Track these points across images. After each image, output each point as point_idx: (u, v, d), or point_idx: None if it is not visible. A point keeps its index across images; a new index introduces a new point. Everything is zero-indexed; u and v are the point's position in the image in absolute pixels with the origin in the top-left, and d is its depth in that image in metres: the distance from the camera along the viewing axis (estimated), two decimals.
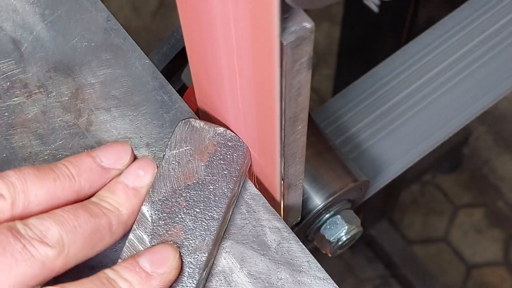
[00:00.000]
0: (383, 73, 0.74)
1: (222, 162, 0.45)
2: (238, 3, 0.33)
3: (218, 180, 0.45)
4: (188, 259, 0.43)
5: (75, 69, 0.50)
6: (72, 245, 0.40)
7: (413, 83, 0.73)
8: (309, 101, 0.39)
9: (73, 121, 0.48)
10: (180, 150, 0.45)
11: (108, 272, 0.41)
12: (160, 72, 0.50)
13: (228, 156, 0.45)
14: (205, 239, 0.43)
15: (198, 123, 0.46)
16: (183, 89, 0.61)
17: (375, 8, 1.04)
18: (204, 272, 0.43)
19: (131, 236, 0.43)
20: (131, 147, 0.46)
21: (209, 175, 0.45)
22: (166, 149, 0.45)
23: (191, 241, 0.43)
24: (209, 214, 0.44)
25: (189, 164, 0.45)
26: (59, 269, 0.40)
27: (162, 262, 0.42)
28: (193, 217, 0.44)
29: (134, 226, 0.44)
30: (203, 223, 0.44)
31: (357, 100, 0.72)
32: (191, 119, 0.46)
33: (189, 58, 0.45)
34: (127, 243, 0.43)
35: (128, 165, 0.45)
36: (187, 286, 0.42)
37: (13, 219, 0.41)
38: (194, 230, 0.43)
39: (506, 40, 0.76)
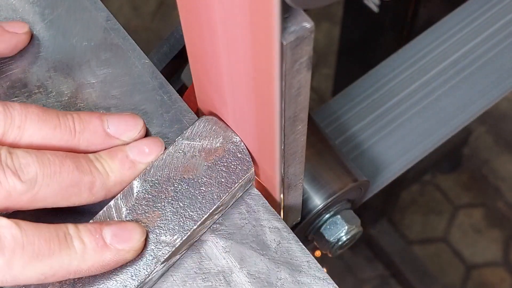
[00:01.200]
0: (383, 73, 0.74)
1: (224, 169, 0.45)
2: (238, 3, 0.33)
3: (213, 184, 0.44)
4: (152, 247, 0.43)
5: (74, 68, 0.50)
6: (44, 188, 0.40)
7: (413, 83, 0.73)
8: (309, 101, 0.39)
9: None
10: (192, 142, 0.45)
11: (69, 227, 0.41)
12: (160, 72, 0.50)
13: (232, 166, 0.45)
14: (175, 234, 0.43)
15: (220, 125, 0.46)
16: (183, 89, 0.61)
17: (375, 8, 1.04)
18: (162, 265, 0.43)
19: (111, 203, 0.43)
20: (144, 123, 0.46)
21: (207, 176, 0.45)
22: (179, 136, 0.45)
23: (162, 231, 0.43)
24: (190, 213, 0.44)
25: (193, 159, 0.45)
26: (24, 205, 0.40)
27: (125, 239, 0.41)
28: (174, 210, 0.44)
29: (118, 196, 0.44)
30: (181, 220, 0.43)
31: (357, 100, 0.72)
32: (215, 118, 0.46)
33: (189, 58, 0.45)
34: (105, 208, 0.43)
35: (135, 139, 0.45)
36: (139, 271, 0.42)
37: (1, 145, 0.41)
38: (170, 222, 0.43)
39: (506, 40, 0.76)
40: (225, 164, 0.45)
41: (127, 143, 0.45)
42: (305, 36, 0.33)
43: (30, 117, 0.42)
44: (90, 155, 0.43)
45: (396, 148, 0.71)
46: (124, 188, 0.44)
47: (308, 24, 0.33)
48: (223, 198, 0.44)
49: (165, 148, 0.45)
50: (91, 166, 0.43)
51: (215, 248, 0.45)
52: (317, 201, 0.60)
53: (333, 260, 1.51)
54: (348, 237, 0.62)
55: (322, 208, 0.60)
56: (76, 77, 0.50)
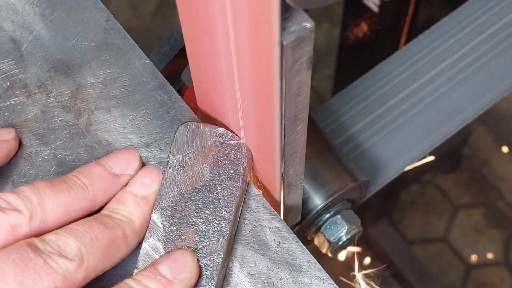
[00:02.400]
0: (383, 73, 0.74)
1: (226, 162, 0.45)
2: (238, 3, 0.33)
3: (225, 180, 0.45)
4: (205, 262, 0.43)
5: (75, 68, 0.50)
6: (91, 257, 0.40)
7: (413, 83, 0.73)
8: (309, 101, 0.39)
9: (73, 121, 0.48)
10: (183, 154, 0.45)
11: (129, 282, 0.41)
12: (160, 72, 0.50)
13: (232, 155, 0.45)
14: (219, 240, 0.43)
15: (198, 126, 0.46)
16: (183, 89, 0.61)
17: (375, 8, 1.04)
18: (222, 273, 0.43)
19: (144, 245, 0.43)
20: (138, 153, 0.46)
21: (215, 176, 0.45)
22: (169, 155, 0.45)
23: (205, 244, 0.43)
24: (220, 215, 0.44)
25: (194, 168, 0.45)
26: (80, 282, 0.40)
27: (182, 268, 0.42)
28: (204, 220, 0.44)
29: (147, 235, 0.44)
30: (215, 225, 0.44)
31: (357, 100, 0.72)
32: (190, 122, 0.46)
33: (189, 58, 0.45)
34: (141, 253, 0.43)
35: (138, 170, 0.45)
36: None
37: (31, 233, 0.41)
38: (207, 233, 0.43)
39: (505, 41, 0.76)
40: (225, 157, 0.45)
41: (131, 179, 0.45)
42: (305, 36, 0.33)
43: (43, 192, 0.42)
44: (104, 211, 0.44)
45: (396, 148, 0.71)
46: (148, 226, 0.44)
47: (308, 24, 0.33)
48: (240, 186, 0.44)
49: (163, 173, 0.45)
50: (113, 219, 0.43)
51: None
52: (317, 201, 0.60)
53: (333, 260, 1.50)
54: (348, 237, 0.62)
55: (322, 208, 0.60)
56: (76, 77, 0.50)
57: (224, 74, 0.41)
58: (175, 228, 0.44)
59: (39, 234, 0.41)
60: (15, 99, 0.49)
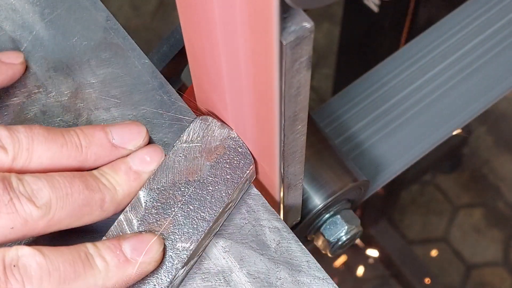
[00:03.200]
0: (383, 72, 0.74)
1: (227, 166, 0.45)
2: (238, 2, 0.33)
3: (219, 183, 0.44)
4: (170, 253, 0.43)
5: (74, 68, 0.50)
6: (59, 211, 0.40)
7: (413, 83, 0.73)
8: (309, 100, 0.39)
9: (72, 120, 0.48)
10: (190, 145, 0.45)
11: (89, 246, 0.41)
12: (160, 72, 0.50)
13: (235, 162, 0.45)
14: (191, 237, 0.43)
15: (215, 123, 0.46)
16: (183, 89, 0.61)
17: (375, 8, 1.04)
18: (183, 270, 0.43)
19: (121, 217, 0.43)
20: (146, 130, 0.46)
21: (212, 176, 0.45)
22: (177, 141, 0.45)
23: (177, 236, 0.43)
24: (201, 214, 0.44)
25: (195, 161, 0.45)
26: (40, 230, 0.40)
27: (145, 251, 0.41)
28: (185, 213, 0.44)
29: (127, 208, 0.43)
30: (194, 222, 0.43)
31: (357, 99, 0.73)
32: (209, 117, 0.46)
33: (188, 58, 0.45)
34: (115, 223, 0.43)
35: (140, 147, 0.45)
36: (161, 280, 0.42)
37: (10, 171, 0.41)
38: (183, 226, 0.43)
39: (505, 41, 0.76)
40: (228, 160, 0.45)
41: (133, 152, 0.45)
42: (305, 36, 0.33)
43: (37, 138, 0.42)
44: (95, 172, 0.43)
45: (395, 148, 0.71)
46: (131, 200, 0.44)
47: (308, 24, 0.33)
48: (231, 194, 0.44)
49: (166, 155, 0.45)
50: (99, 183, 0.43)
51: (215, 248, 0.45)
52: (317, 201, 0.60)
53: (333, 260, 1.51)
54: (348, 237, 0.62)
55: (322, 208, 0.60)
56: (76, 77, 0.50)
57: (224, 73, 0.41)
58: (155, 211, 0.44)
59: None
60: (15, 99, 0.49)
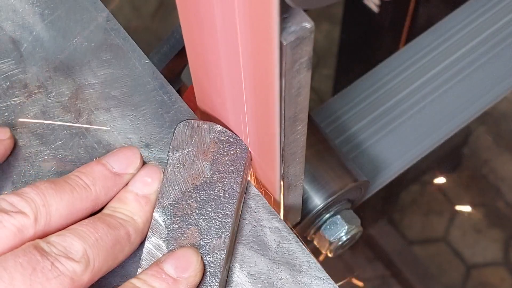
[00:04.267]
0: (383, 73, 0.74)
1: (226, 158, 0.45)
2: (238, 3, 0.33)
3: (225, 177, 0.45)
4: (208, 259, 0.43)
5: (75, 69, 0.50)
6: (97, 258, 0.40)
7: (413, 83, 0.73)
8: (309, 101, 0.39)
9: (73, 121, 0.48)
10: (183, 152, 0.45)
11: (134, 281, 0.41)
12: (160, 72, 0.50)
13: (232, 152, 0.45)
14: (221, 236, 0.43)
15: (196, 123, 0.46)
16: (183, 89, 0.61)
17: (375, 8, 1.04)
18: (226, 268, 0.43)
19: (147, 244, 0.43)
20: (139, 151, 0.46)
21: (216, 173, 0.45)
22: (169, 153, 0.45)
23: (208, 241, 0.43)
24: (221, 211, 0.44)
25: (194, 165, 0.45)
26: (86, 284, 0.40)
27: (186, 266, 0.42)
28: (206, 217, 0.44)
29: (149, 234, 0.44)
30: (217, 221, 0.44)
31: (357, 100, 0.73)
32: (188, 120, 0.46)
33: (189, 58, 0.45)
34: (144, 252, 0.43)
35: (139, 169, 0.45)
36: (210, 285, 0.43)
37: (36, 235, 0.41)
38: (209, 230, 0.44)
39: (505, 41, 0.76)
40: (224, 153, 0.45)
41: (132, 178, 0.45)
42: (305, 36, 0.33)
43: (47, 193, 0.42)
44: (106, 211, 0.44)
45: (396, 148, 0.71)
46: (150, 225, 0.44)
47: (308, 24, 0.33)
48: (241, 182, 0.44)
49: (163, 171, 0.45)
50: (116, 219, 0.43)
51: None
52: (317, 201, 0.60)
53: (333, 260, 1.50)
54: (348, 237, 0.62)
55: (322, 208, 0.60)
56: (77, 78, 0.50)
57: (224, 74, 0.41)
58: (177, 226, 0.44)
59: (44, 235, 0.41)
60: (15, 99, 0.49)
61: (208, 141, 0.45)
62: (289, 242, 0.45)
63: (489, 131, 1.68)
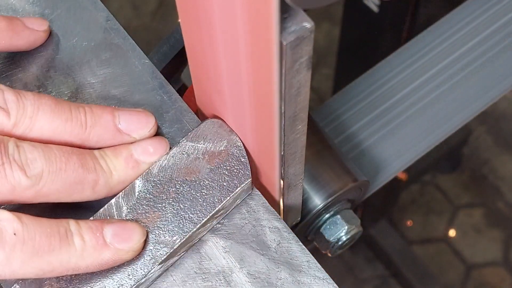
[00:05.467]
0: (383, 72, 0.74)
1: (226, 173, 0.45)
2: (238, 2, 0.33)
3: (215, 188, 0.44)
4: (150, 247, 0.43)
5: (74, 68, 0.50)
6: (49, 184, 0.40)
7: (413, 82, 0.73)
8: (309, 101, 0.39)
9: None
10: (196, 144, 0.45)
11: (71, 223, 0.40)
12: (160, 72, 0.50)
13: (235, 171, 0.45)
14: (174, 236, 0.43)
15: (224, 128, 0.46)
16: (183, 89, 0.61)
17: (375, 8, 1.04)
18: (160, 266, 0.43)
19: (112, 201, 0.43)
20: (155, 121, 0.45)
21: (209, 179, 0.44)
22: (184, 138, 0.45)
23: (161, 232, 0.43)
24: (190, 215, 0.43)
25: (196, 161, 0.45)
26: (27, 200, 0.40)
27: (126, 239, 0.41)
28: (174, 211, 0.44)
29: (120, 194, 0.43)
30: (181, 221, 0.43)
31: (356, 99, 0.73)
32: (220, 121, 0.46)
33: (188, 58, 0.45)
34: (105, 206, 0.43)
35: (147, 137, 0.45)
36: (136, 271, 0.42)
37: (10, 136, 0.41)
38: (170, 223, 0.43)
39: (505, 40, 0.76)
40: (228, 168, 0.45)
41: (137, 140, 0.44)
42: (305, 36, 0.33)
43: (42, 108, 0.42)
44: (95, 152, 0.43)
45: (395, 147, 0.71)
46: (126, 187, 0.44)
47: (308, 24, 0.33)
48: (224, 202, 0.44)
49: (170, 149, 0.45)
50: (96, 163, 0.42)
51: (215, 248, 0.45)
52: (317, 201, 0.60)
53: (333, 260, 1.51)
54: (348, 237, 0.62)
55: (322, 208, 0.60)
56: (76, 77, 0.50)
57: (224, 74, 0.41)
58: (146, 202, 0.44)
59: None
60: None
61: (222, 148, 0.45)
62: (289, 242, 0.45)
63: (489, 131, 1.68)
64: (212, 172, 0.45)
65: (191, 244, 0.44)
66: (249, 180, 0.45)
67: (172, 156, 0.45)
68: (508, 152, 1.67)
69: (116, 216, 0.43)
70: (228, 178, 0.45)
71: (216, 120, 0.46)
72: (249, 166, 0.45)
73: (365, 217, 1.39)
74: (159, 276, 0.44)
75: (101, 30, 0.51)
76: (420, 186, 1.63)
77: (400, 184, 1.42)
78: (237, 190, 0.44)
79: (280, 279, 0.44)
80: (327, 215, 0.62)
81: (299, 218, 0.58)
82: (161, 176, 0.44)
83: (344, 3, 1.13)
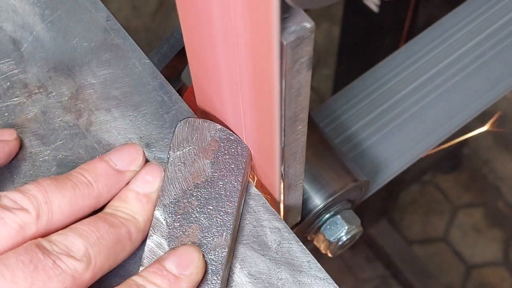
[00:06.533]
0: (383, 72, 0.74)
1: (227, 156, 0.45)
2: (238, 3, 0.33)
3: (227, 175, 0.45)
4: (210, 257, 0.43)
5: (75, 69, 0.50)
6: (98, 257, 0.40)
7: (413, 82, 0.73)
8: (309, 101, 0.39)
9: (73, 121, 0.48)
10: (184, 150, 0.45)
11: (136, 278, 0.41)
12: (160, 72, 0.50)
13: (232, 150, 0.45)
14: (222, 234, 0.43)
15: (197, 122, 0.46)
16: (183, 89, 0.61)
17: (375, 8, 1.04)
18: (227, 266, 0.43)
19: (148, 242, 0.43)
20: (142, 148, 0.46)
21: (217, 171, 0.45)
22: (170, 152, 0.45)
23: (209, 239, 0.43)
24: (222, 209, 0.44)
25: (195, 164, 0.45)
26: (88, 282, 0.40)
27: (188, 264, 0.42)
28: (207, 215, 0.44)
29: (150, 232, 0.44)
30: (218, 219, 0.44)
31: (356, 99, 0.72)
32: (189, 118, 0.46)
33: (188, 58, 0.45)
34: (146, 250, 0.43)
35: (142, 166, 0.45)
36: (212, 283, 0.43)
37: (38, 233, 0.41)
38: (211, 228, 0.44)
39: (505, 40, 0.76)
40: (225, 151, 0.45)
41: (134, 177, 0.45)
42: (305, 36, 0.33)
43: (49, 189, 0.42)
44: (108, 210, 0.44)
45: (395, 147, 0.71)
46: (152, 223, 0.44)
47: (308, 24, 0.33)
48: (242, 180, 0.44)
49: (164, 170, 0.45)
50: (117, 218, 0.43)
51: None
52: (317, 201, 0.60)
53: (333, 260, 1.50)
54: (348, 237, 0.62)
55: (322, 208, 0.60)
56: (77, 78, 0.50)
57: (224, 74, 0.41)
58: (178, 224, 0.44)
59: (46, 233, 0.41)
60: (15, 99, 0.49)
61: (209, 139, 0.45)
62: (289, 242, 0.45)
63: (489, 131, 1.68)
64: (215, 163, 0.45)
65: (237, 232, 0.45)
66: (248, 150, 0.45)
67: (171, 173, 0.45)
68: (508, 152, 1.67)
69: (161, 253, 0.43)
70: (231, 160, 0.45)
71: (184, 119, 0.46)
72: (240, 140, 0.45)
73: (365, 217, 1.39)
74: (229, 274, 0.44)
75: (101, 31, 0.51)
76: (420, 186, 1.63)
77: (400, 184, 1.42)
78: (245, 165, 0.45)
79: (281, 280, 0.44)
80: (327, 215, 0.62)
81: (299, 218, 0.58)
82: (174, 194, 0.44)
83: (344, 3, 1.13)
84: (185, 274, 0.41)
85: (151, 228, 0.44)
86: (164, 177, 0.45)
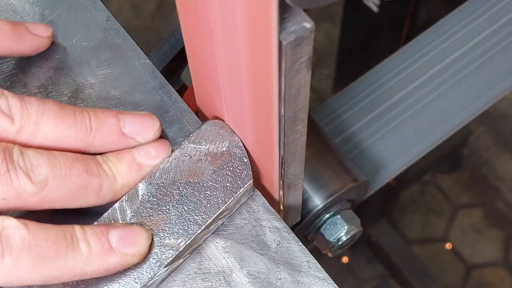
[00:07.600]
0: (383, 72, 0.74)
1: (229, 174, 0.45)
2: (237, 3, 0.33)
3: (218, 189, 0.44)
4: (156, 250, 0.43)
5: (74, 68, 0.50)
6: (54, 191, 0.40)
7: (413, 82, 0.73)
8: (309, 101, 0.39)
9: None
10: (198, 146, 0.45)
11: (76, 229, 0.40)
12: (160, 72, 0.50)
13: (238, 171, 0.45)
14: (179, 238, 0.43)
15: (226, 129, 0.46)
16: (183, 89, 0.61)
17: (375, 8, 1.04)
18: (165, 269, 0.43)
19: (116, 205, 0.43)
20: (160, 124, 0.45)
21: (212, 180, 0.44)
22: (186, 140, 0.45)
23: (166, 234, 0.43)
24: (194, 217, 0.43)
25: (199, 163, 0.45)
26: (32, 206, 0.40)
27: (131, 243, 0.41)
28: (178, 213, 0.44)
29: (123, 198, 0.43)
30: (185, 223, 0.43)
31: (356, 98, 0.73)
32: (220, 122, 0.46)
33: (188, 58, 0.45)
34: (109, 210, 0.43)
35: (151, 140, 0.45)
36: (142, 275, 0.42)
37: (15, 143, 0.41)
38: (174, 226, 0.43)
39: (505, 40, 0.76)
40: (231, 168, 0.45)
41: (141, 144, 0.44)
42: (305, 36, 0.33)
43: (47, 114, 0.41)
44: (98, 157, 0.43)
45: (395, 147, 0.71)
46: (129, 191, 0.44)
47: (308, 24, 0.33)
48: (228, 203, 0.44)
49: (172, 151, 0.45)
50: (100, 169, 0.42)
51: (215, 248, 0.45)
52: (317, 201, 0.60)
53: (333, 260, 1.51)
54: (348, 237, 0.62)
55: (322, 208, 0.60)
56: (76, 77, 0.50)
57: (224, 74, 0.41)
58: (149, 205, 0.44)
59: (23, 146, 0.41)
60: None
61: (224, 149, 0.45)
62: (288, 242, 0.45)
63: (489, 131, 1.68)
64: (215, 173, 0.45)
65: (195, 247, 0.44)
66: (251, 181, 0.45)
67: (174, 159, 0.45)
68: (508, 152, 1.67)
69: (120, 220, 0.43)
70: (231, 179, 0.45)
71: (217, 121, 0.46)
72: (250, 167, 0.45)
73: (365, 217, 1.39)
74: (164, 279, 0.44)
75: (101, 30, 0.51)
76: (420, 186, 1.63)
77: (400, 184, 1.42)
78: (240, 191, 0.44)
79: (280, 279, 0.44)
80: (327, 215, 0.62)
81: (299, 218, 0.58)
82: (164, 179, 0.44)
83: (344, 3, 1.13)
84: (122, 251, 0.41)
85: (126, 195, 0.43)
86: (166, 159, 0.45)
